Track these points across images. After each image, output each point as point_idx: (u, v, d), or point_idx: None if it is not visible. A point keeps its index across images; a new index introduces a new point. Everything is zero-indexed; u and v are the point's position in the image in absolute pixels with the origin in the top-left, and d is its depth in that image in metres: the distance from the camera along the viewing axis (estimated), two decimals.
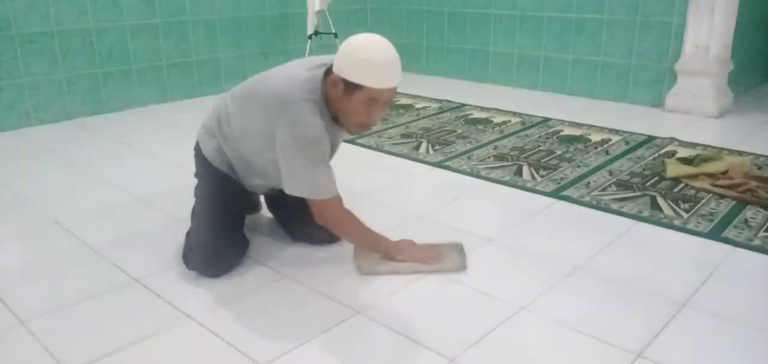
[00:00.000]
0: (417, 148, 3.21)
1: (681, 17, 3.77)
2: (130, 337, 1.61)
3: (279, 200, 2.17)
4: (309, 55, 4.37)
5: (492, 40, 4.77)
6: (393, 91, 1.76)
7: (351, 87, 1.72)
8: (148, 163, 3.02)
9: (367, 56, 1.70)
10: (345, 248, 2.06)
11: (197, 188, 2.05)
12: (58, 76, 3.76)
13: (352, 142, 3.35)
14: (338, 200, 1.88)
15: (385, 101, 1.77)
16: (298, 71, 1.84)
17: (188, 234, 1.98)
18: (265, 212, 2.37)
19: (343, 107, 1.79)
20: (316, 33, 4.34)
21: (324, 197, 1.82)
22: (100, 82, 3.95)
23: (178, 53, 4.28)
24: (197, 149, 2.06)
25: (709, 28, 3.62)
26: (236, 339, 1.60)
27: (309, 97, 1.77)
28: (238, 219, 2.05)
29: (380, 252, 1.94)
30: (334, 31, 4.39)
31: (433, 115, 3.89)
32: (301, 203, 1.87)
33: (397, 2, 5.35)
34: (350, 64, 1.71)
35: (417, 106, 4.14)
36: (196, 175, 2.07)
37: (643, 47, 3.98)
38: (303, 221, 2.01)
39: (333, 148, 1.92)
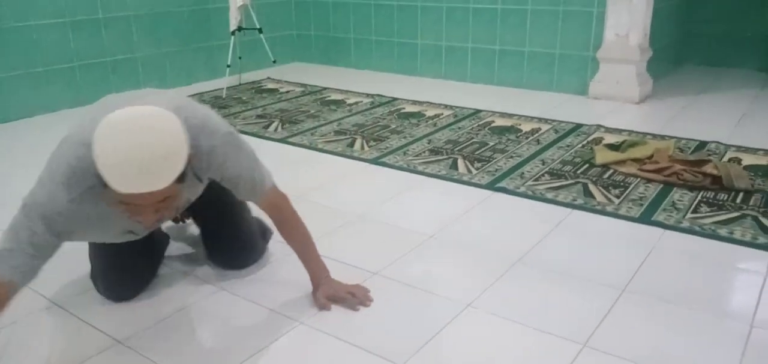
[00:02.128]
0: (351, 145, 3.15)
1: (602, 6, 3.88)
2: None
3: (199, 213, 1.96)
4: (232, 52, 4.21)
5: (420, 33, 4.76)
6: (151, 197, 1.27)
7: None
8: None
9: (104, 151, 1.22)
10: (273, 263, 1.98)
11: None
12: None
13: (283, 140, 3.25)
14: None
15: (146, 205, 1.30)
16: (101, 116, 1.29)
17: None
18: None
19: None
20: (239, 28, 4.18)
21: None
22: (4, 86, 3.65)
23: (91, 53, 4.02)
24: None
25: (629, 17, 3.75)
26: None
27: (73, 162, 1.37)
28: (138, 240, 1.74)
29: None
30: (258, 26, 4.25)
31: (365, 110, 3.84)
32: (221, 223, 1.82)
33: None
34: (95, 153, 1.24)
35: (348, 101, 4.07)
36: None
37: (566, 37, 4.08)
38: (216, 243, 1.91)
39: (105, 231, 1.55)
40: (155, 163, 1.23)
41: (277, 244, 2.06)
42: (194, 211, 1.90)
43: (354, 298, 1.71)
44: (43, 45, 3.78)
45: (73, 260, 1.97)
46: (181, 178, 1.30)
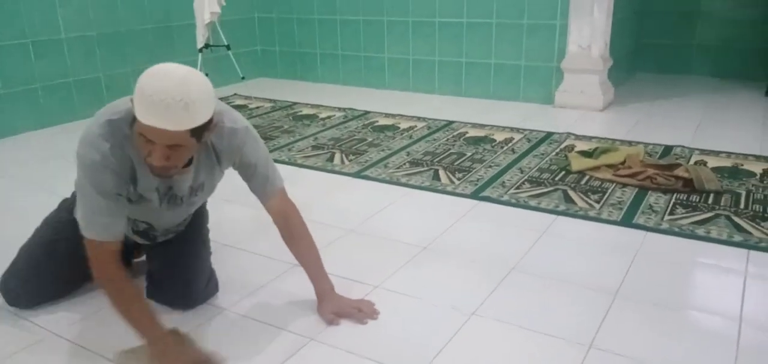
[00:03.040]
0: (331, 159, 3.17)
1: (564, 19, 4.03)
2: None
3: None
4: (200, 69, 4.17)
5: (386, 47, 4.82)
6: (164, 136, 1.38)
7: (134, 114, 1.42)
8: (37, 199, 2.73)
9: (142, 83, 1.38)
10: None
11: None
12: None
13: None
14: (109, 252, 1.53)
15: (159, 144, 1.40)
16: None
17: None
18: None
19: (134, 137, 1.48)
20: (207, 45, 4.15)
21: (91, 238, 1.51)
22: None
23: (53, 73, 3.91)
24: None
25: (591, 29, 3.91)
26: None
27: (110, 117, 1.50)
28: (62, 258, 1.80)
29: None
30: (226, 42, 4.22)
31: (339, 124, 3.86)
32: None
33: (287, 11, 5.25)
34: (136, 86, 1.41)
35: (321, 115, 4.08)
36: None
37: (531, 49, 4.21)
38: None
39: (135, 186, 1.60)
40: (177, 106, 1.35)
41: (276, 260, 2.07)
42: (151, 246, 1.89)
43: (361, 312, 1.74)
44: (4, 66, 3.66)
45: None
46: (197, 135, 1.42)
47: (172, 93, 1.34)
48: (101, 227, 1.51)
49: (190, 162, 1.59)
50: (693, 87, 4.59)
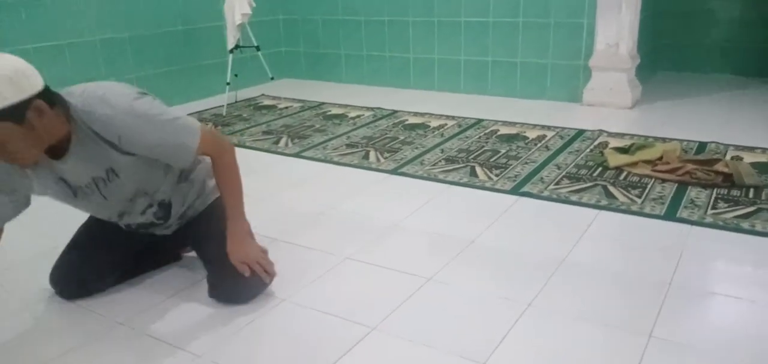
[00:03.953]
0: (366, 157, 3.20)
1: (591, 18, 4.04)
2: None
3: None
4: (230, 71, 4.22)
5: (411, 47, 4.85)
6: None
7: None
8: None
9: None
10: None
11: None
12: None
13: (297, 155, 3.28)
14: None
15: None
16: None
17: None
18: None
19: None
20: (237, 47, 4.19)
21: None
22: None
23: (86, 76, 3.97)
24: None
25: (618, 27, 3.92)
26: None
27: None
28: (111, 245, 1.91)
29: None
30: (256, 44, 4.27)
31: (369, 123, 3.89)
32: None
33: (311, 12, 5.30)
34: None
35: (350, 115, 4.12)
36: None
37: (557, 47, 4.23)
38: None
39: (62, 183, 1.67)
40: None
41: (329, 253, 2.10)
42: (195, 242, 1.98)
43: (259, 266, 1.82)
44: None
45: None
46: (7, 118, 1.39)
47: None
48: None
49: (65, 151, 1.57)
50: (714, 85, 4.59)
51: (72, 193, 1.69)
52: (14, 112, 1.40)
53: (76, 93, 1.58)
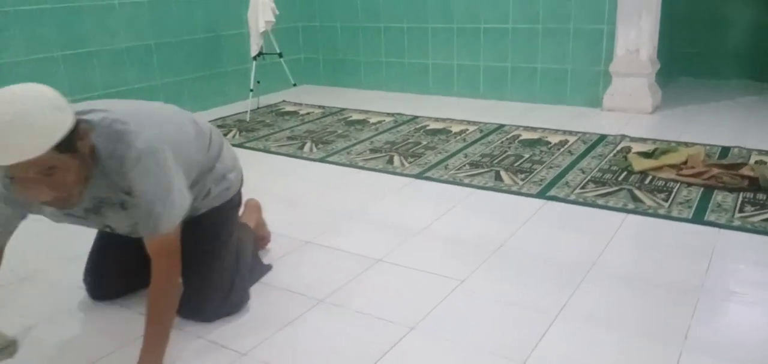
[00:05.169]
0: (390, 162, 3.24)
1: (611, 24, 4.07)
2: None
3: None
4: (253, 77, 4.28)
5: (431, 53, 4.89)
6: (24, 167, 1.27)
7: None
8: None
9: None
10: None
11: None
12: None
13: (322, 160, 3.32)
14: None
15: (28, 177, 1.30)
16: None
17: None
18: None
19: None
20: (260, 54, 4.25)
21: None
22: None
23: (113, 82, 4.05)
24: None
25: (638, 32, 3.94)
26: None
27: None
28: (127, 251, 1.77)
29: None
30: (278, 51, 4.33)
31: (391, 128, 3.94)
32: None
33: (331, 19, 5.36)
34: None
35: (371, 121, 4.16)
36: None
37: (577, 53, 4.26)
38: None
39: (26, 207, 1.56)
40: (5, 132, 1.23)
41: (359, 256, 2.14)
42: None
43: None
44: (68, 74, 3.80)
45: None
46: (63, 149, 1.30)
47: (1, 118, 1.23)
48: None
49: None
50: (733, 90, 4.60)
51: (82, 219, 1.61)
52: (69, 142, 1.32)
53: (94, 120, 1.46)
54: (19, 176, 1.30)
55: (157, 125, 1.55)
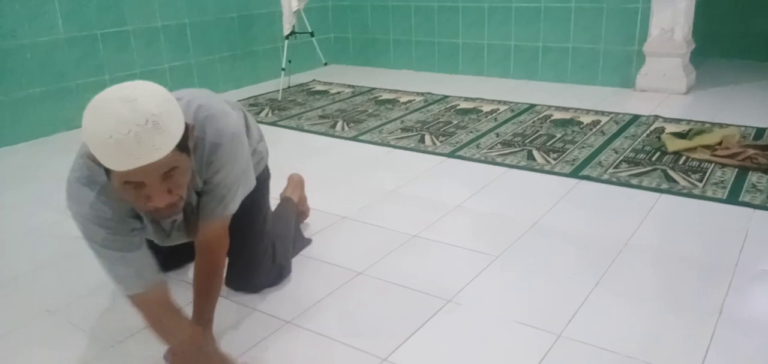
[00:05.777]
0: (422, 140, 3.28)
1: (645, 3, 4.02)
2: None
3: None
4: (285, 56, 4.34)
5: (461, 33, 4.89)
6: (152, 169, 1.18)
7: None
8: None
9: (93, 131, 1.14)
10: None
11: None
12: None
13: (354, 139, 3.37)
14: (145, 295, 1.42)
15: (152, 182, 1.20)
16: None
17: None
18: None
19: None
20: (292, 33, 4.30)
21: (125, 294, 1.42)
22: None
23: (151, 60, 4.14)
24: None
25: (673, 12, 3.90)
26: None
27: (85, 158, 1.31)
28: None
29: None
30: (310, 30, 4.38)
31: (421, 108, 3.97)
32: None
33: None
34: (86, 140, 1.17)
35: (401, 100, 4.20)
36: None
37: (610, 32, 4.22)
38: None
39: (157, 225, 1.52)
40: (136, 134, 1.12)
41: (394, 231, 2.18)
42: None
43: None
44: (105, 53, 3.89)
45: None
46: (184, 147, 1.24)
47: (122, 123, 1.11)
48: (128, 280, 1.38)
49: None
50: (764, 72, 4.52)
51: (166, 234, 1.57)
52: (185, 140, 1.25)
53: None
54: (143, 181, 1.19)
55: (225, 107, 1.52)
